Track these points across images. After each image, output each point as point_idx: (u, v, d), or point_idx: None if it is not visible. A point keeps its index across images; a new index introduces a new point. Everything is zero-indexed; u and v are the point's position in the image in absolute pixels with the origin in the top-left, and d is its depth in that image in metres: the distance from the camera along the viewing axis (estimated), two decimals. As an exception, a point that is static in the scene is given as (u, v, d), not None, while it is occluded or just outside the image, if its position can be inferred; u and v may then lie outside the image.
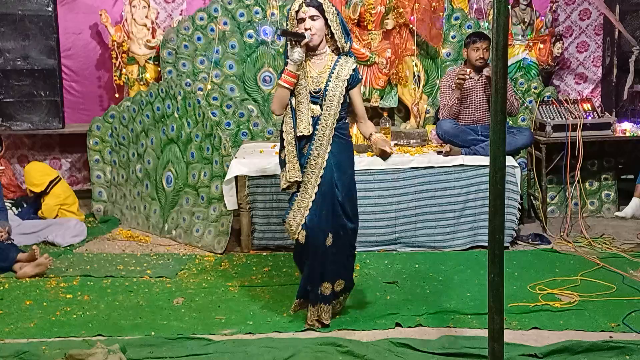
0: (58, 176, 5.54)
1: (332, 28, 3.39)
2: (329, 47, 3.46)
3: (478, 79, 5.05)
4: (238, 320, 3.59)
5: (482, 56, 4.96)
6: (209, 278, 4.29)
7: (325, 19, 3.37)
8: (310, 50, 3.39)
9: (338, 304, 3.62)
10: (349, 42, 3.47)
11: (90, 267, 4.49)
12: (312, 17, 3.33)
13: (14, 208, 5.20)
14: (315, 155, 3.39)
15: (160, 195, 5.33)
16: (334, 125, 3.41)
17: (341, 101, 3.42)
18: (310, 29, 3.32)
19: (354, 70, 3.45)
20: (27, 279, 4.24)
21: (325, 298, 3.48)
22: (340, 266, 3.50)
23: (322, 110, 3.40)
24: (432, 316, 3.61)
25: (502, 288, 2.22)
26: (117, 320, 3.62)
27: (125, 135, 5.68)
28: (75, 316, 3.67)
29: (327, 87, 3.39)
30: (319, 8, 3.35)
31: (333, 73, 3.40)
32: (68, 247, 4.97)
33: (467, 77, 4.91)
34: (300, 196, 3.41)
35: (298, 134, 3.38)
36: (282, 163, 3.45)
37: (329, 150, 3.41)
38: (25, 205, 5.34)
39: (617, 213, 4.92)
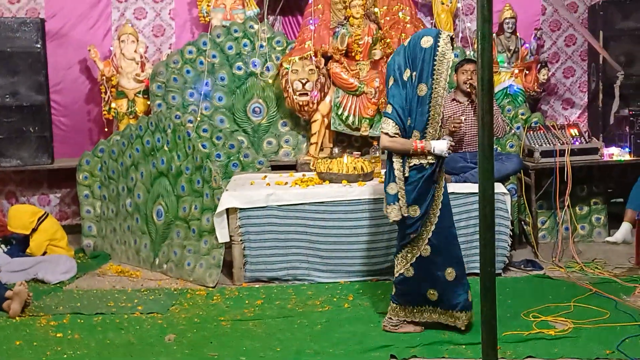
0: (45, 212, 5.49)
1: None
2: None
3: (467, 104, 5.05)
4: (230, 356, 3.56)
5: (470, 78, 4.97)
6: (200, 313, 4.25)
7: None
8: None
9: None
10: None
11: (81, 304, 4.44)
12: None
13: (2, 245, 5.14)
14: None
15: (151, 228, 5.30)
16: None
17: None
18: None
19: None
20: (17, 318, 4.18)
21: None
22: None
23: None
24: (427, 347, 3.59)
25: (495, 321, 2.21)
26: (108, 358, 3.57)
27: (114, 169, 5.67)
28: (65, 356, 3.62)
29: None
30: None
31: None
32: (58, 284, 4.91)
33: (461, 125, 4.83)
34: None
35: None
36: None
37: None
38: (14, 242, 5.28)
39: (608, 238, 4.92)
